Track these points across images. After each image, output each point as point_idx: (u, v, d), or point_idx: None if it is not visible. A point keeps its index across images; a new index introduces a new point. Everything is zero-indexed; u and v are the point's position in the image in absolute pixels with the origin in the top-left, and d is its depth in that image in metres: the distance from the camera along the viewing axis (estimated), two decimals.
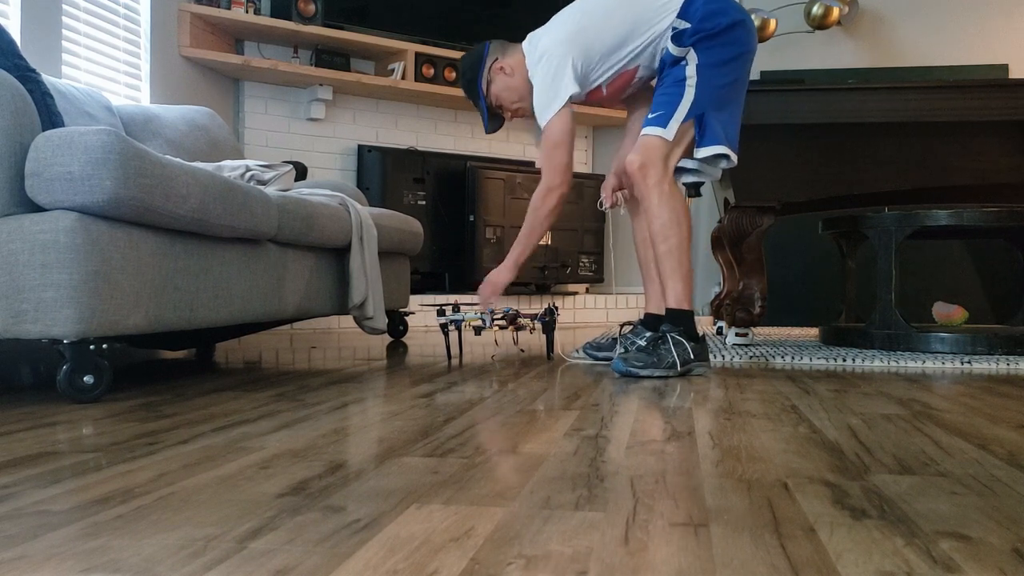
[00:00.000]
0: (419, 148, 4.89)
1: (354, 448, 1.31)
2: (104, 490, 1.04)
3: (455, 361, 2.70)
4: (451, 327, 2.69)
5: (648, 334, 2.53)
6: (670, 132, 2.37)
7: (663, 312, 2.45)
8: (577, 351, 2.82)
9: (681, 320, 2.36)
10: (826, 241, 4.72)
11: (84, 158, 1.73)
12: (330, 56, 4.53)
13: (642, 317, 2.73)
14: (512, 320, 2.68)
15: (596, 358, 2.70)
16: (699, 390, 2.03)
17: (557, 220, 2.74)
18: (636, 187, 2.42)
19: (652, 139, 2.38)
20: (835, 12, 5.06)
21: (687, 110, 2.38)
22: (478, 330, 2.67)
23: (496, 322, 2.65)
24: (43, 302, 1.74)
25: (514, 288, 4.90)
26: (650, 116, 2.39)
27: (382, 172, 4.65)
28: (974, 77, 4.97)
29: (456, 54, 4.85)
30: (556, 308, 2.77)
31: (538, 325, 2.78)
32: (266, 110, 4.56)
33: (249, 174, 2.76)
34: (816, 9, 5.04)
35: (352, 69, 4.62)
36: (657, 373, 2.26)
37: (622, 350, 2.50)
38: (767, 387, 2.11)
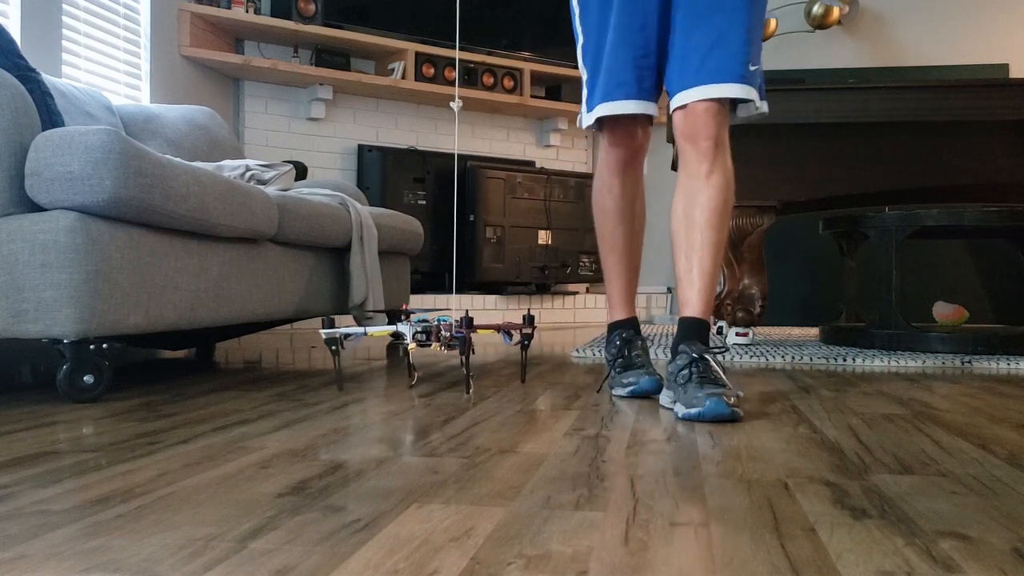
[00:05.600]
0: (419, 148, 4.89)
1: (354, 448, 1.31)
2: (104, 490, 1.04)
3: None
4: (343, 344, 2.01)
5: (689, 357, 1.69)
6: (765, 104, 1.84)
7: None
8: (611, 387, 1.96)
9: (707, 335, 1.79)
10: (826, 241, 4.73)
11: (84, 158, 1.73)
12: (330, 56, 4.53)
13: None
14: (437, 336, 1.94)
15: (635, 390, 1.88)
16: None
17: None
18: (701, 148, 1.79)
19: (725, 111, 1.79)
20: (835, 12, 5.06)
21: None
22: (400, 347, 2.07)
23: (416, 336, 1.94)
24: (43, 302, 1.74)
25: (513, 288, 4.90)
26: (752, 67, 1.77)
27: (382, 172, 4.65)
28: (974, 77, 4.97)
29: (456, 53, 4.85)
30: (472, 320, 1.95)
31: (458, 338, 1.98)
32: (266, 110, 4.56)
33: (249, 174, 2.76)
34: (816, 9, 5.04)
35: (352, 69, 4.62)
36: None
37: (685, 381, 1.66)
38: (767, 387, 2.11)
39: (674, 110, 1.82)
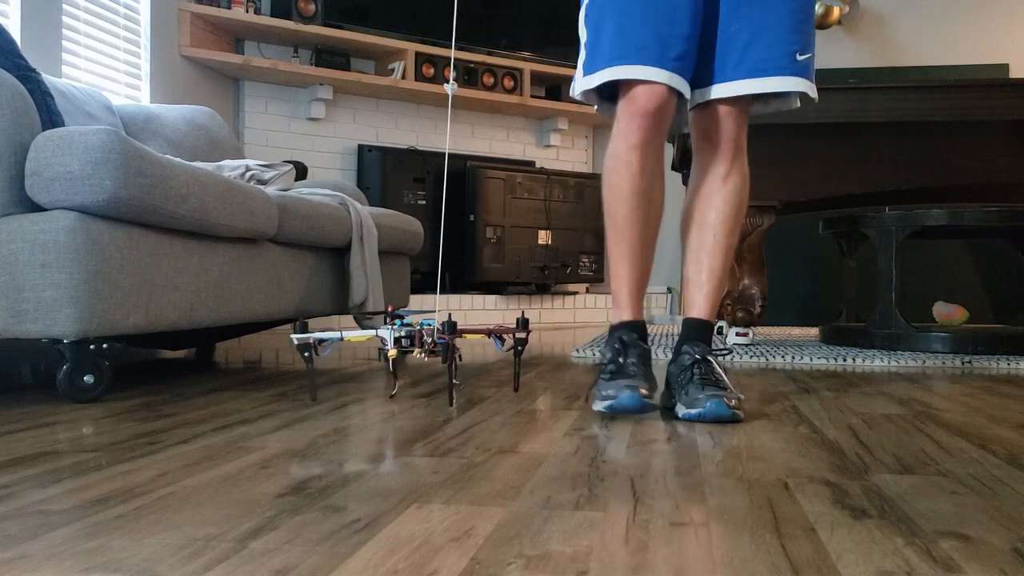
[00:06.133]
0: (419, 148, 4.89)
1: (354, 448, 1.31)
2: (104, 490, 1.04)
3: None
4: (316, 351, 1.81)
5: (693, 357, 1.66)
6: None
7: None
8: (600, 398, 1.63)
9: (711, 336, 1.76)
10: (826, 241, 4.73)
11: (84, 158, 1.73)
12: (330, 56, 4.53)
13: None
14: (420, 341, 1.79)
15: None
16: None
17: None
18: (722, 150, 1.73)
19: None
20: (835, 12, 5.06)
21: None
22: (381, 352, 1.84)
23: (400, 340, 1.80)
24: (43, 302, 1.74)
25: (513, 288, 4.90)
26: (801, 56, 1.66)
27: (382, 172, 4.65)
28: (974, 77, 4.97)
29: (456, 53, 4.85)
30: (455, 325, 1.75)
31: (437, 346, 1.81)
32: (266, 110, 4.56)
33: (249, 174, 2.76)
34: (816, 9, 5.04)
35: (352, 69, 4.62)
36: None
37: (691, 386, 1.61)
38: (767, 387, 2.11)
39: (696, 105, 1.71)
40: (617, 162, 1.69)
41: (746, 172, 1.76)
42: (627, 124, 1.66)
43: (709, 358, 1.64)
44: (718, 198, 1.73)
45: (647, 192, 1.69)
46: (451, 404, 1.75)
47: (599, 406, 1.60)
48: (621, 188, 1.69)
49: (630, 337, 1.68)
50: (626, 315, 1.74)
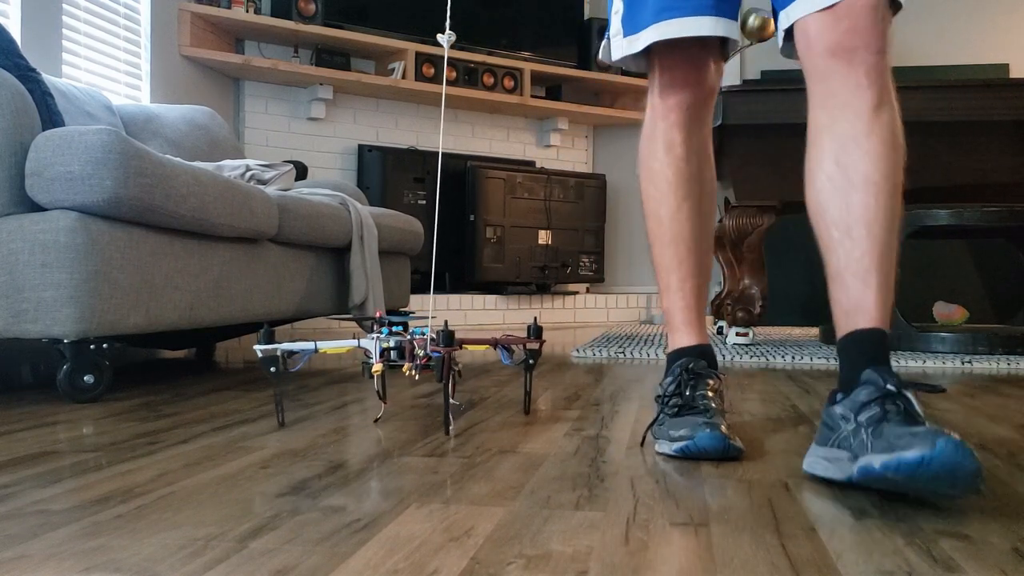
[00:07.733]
0: (419, 148, 4.89)
1: (354, 448, 1.31)
2: (104, 490, 1.04)
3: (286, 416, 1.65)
4: (286, 364, 1.54)
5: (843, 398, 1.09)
6: None
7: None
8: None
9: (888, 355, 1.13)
10: None
11: (84, 158, 1.73)
12: (330, 56, 4.53)
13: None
14: (411, 354, 1.45)
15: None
16: None
17: None
18: (867, 63, 1.25)
19: None
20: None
21: None
22: (365, 368, 1.51)
23: (385, 354, 1.48)
24: (43, 302, 1.74)
25: (513, 288, 4.90)
26: None
27: (382, 172, 4.65)
28: (974, 77, 4.97)
29: (456, 53, 4.85)
30: (455, 339, 1.42)
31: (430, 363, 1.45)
32: (266, 110, 4.56)
33: (249, 174, 2.76)
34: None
35: (352, 69, 4.62)
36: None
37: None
38: (767, 387, 2.10)
39: (810, 14, 1.22)
40: (656, 145, 1.39)
41: (897, 108, 1.23)
42: (663, 101, 1.38)
43: (908, 393, 1.03)
44: (872, 141, 1.16)
45: (695, 176, 1.39)
46: (447, 432, 1.44)
47: (667, 448, 1.24)
48: (665, 174, 1.38)
49: (698, 365, 1.31)
50: (687, 338, 1.38)
